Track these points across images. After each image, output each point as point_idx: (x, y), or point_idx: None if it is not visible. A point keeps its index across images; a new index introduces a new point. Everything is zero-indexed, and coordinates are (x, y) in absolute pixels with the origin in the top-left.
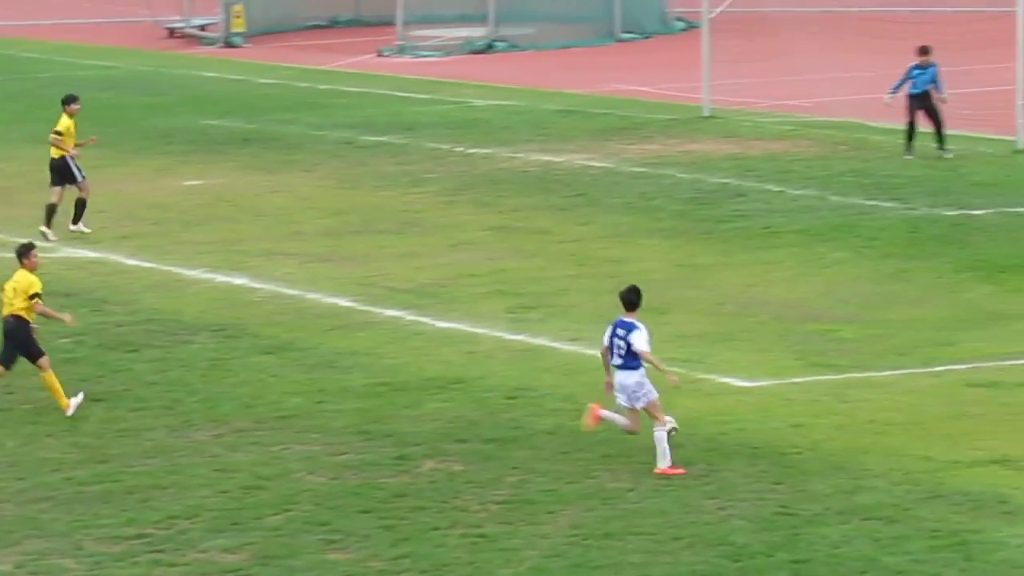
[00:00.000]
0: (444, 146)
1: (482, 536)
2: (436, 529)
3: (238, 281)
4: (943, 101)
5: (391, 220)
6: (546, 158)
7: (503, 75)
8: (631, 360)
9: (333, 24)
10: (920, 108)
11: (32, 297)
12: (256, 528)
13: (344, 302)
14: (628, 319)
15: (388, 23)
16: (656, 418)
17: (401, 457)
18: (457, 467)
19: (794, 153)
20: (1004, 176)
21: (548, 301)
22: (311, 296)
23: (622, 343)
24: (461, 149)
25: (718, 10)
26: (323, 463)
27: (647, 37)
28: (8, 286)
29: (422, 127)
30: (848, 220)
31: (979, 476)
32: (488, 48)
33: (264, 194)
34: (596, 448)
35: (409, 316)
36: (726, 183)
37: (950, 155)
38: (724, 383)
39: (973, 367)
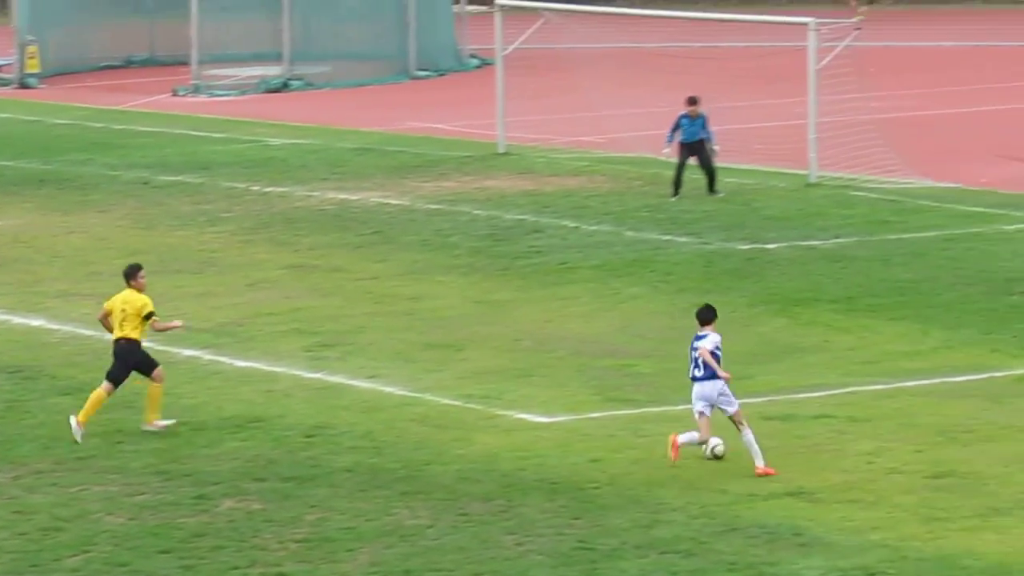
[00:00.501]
0: (240, 185)
1: (281, 575)
2: (235, 568)
3: (35, 322)
4: (714, 153)
5: (188, 260)
6: (342, 196)
7: (299, 113)
8: (710, 370)
9: (128, 64)
10: (691, 155)
11: (148, 317)
12: (55, 570)
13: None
14: (702, 332)
15: (183, 62)
16: (741, 423)
17: (200, 496)
18: (256, 506)
19: (589, 189)
20: (796, 210)
21: (345, 339)
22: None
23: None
24: (257, 188)
25: (512, 47)
26: (122, 504)
27: (442, 74)
28: (117, 308)
29: (218, 166)
30: (643, 255)
31: (774, 508)
32: (283, 87)
33: (61, 235)
34: (395, 485)
35: (207, 355)
36: (522, 219)
37: (722, 194)
38: (522, 419)
39: (768, 400)
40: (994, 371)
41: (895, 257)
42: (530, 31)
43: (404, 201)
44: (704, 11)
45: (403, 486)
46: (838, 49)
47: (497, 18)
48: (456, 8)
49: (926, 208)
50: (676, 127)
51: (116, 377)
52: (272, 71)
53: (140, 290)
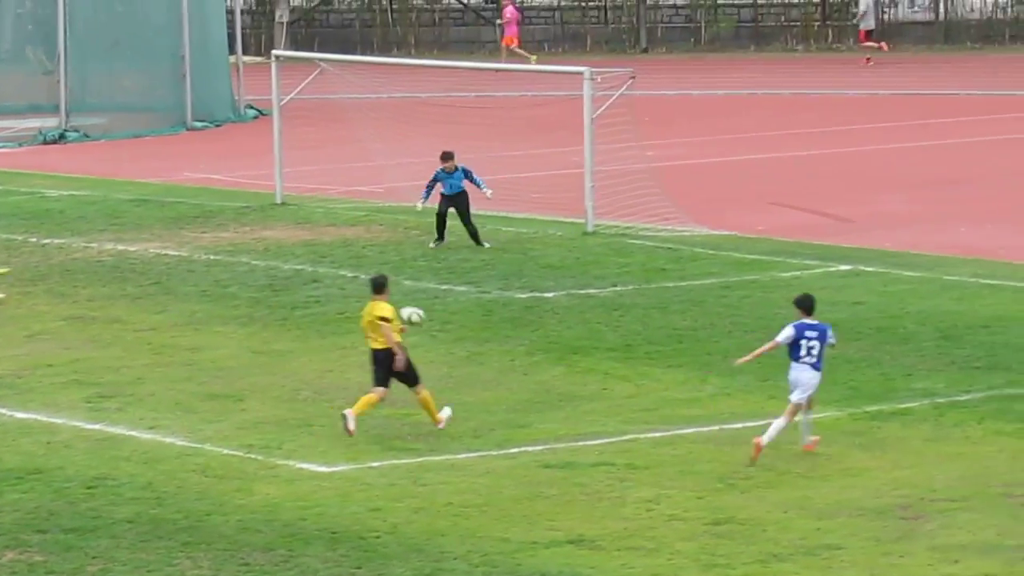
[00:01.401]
0: (18, 237)
1: None
2: None
3: None
4: (488, 197)
5: None
6: (120, 247)
7: (76, 165)
8: (820, 362)
9: None
10: (451, 207)
11: (383, 320)
12: None
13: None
14: (813, 322)
15: None
16: (792, 415)
17: None
18: (38, 557)
19: (367, 239)
20: (574, 258)
21: (125, 390)
22: None
23: (815, 344)
24: (35, 240)
25: (288, 97)
26: None
27: (219, 125)
28: (365, 320)
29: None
30: (421, 304)
31: (556, 556)
32: (60, 138)
33: None
34: (176, 536)
35: None
36: (300, 269)
37: (488, 245)
38: (303, 468)
39: (548, 448)
40: (772, 417)
41: (673, 305)
42: (306, 81)
43: (183, 252)
44: (479, 61)
45: (185, 536)
46: (613, 98)
47: (273, 68)
48: (232, 59)
49: (703, 256)
50: (434, 181)
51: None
52: (49, 123)
53: (386, 301)
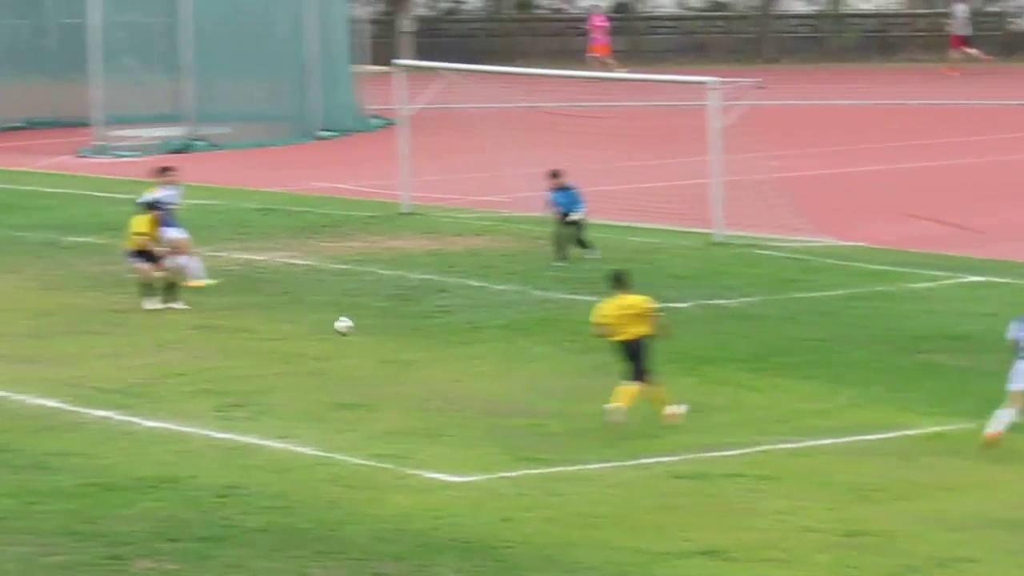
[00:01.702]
0: None
1: None
2: None
3: None
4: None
5: (97, 320)
6: (248, 256)
7: (202, 174)
8: None
9: (31, 125)
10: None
11: (652, 311)
12: None
13: (52, 403)
14: None
15: (86, 124)
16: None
17: (114, 557)
18: (171, 566)
19: (494, 248)
20: (702, 269)
21: (255, 399)
22: (17, 398)
23: None
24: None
25: (415, 107)
26: (37, 564)
27: (344, 134)
28: (610, 314)
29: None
30: (550, 314)
31: (689, 567)
32: (187, 147)
33: None
34: (309, 545)
35: (118, 416)
36: (428, 279)
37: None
38: (434, 478)
39: (680, 459)
40: (905, 429)
41: (803, 316)
42: (432, 91)
43: (310, 261)
44: (604, 71)
45: (317, 546)
46: (739, 108)
47: (398, 78)
48: (357, 68)
49: (832, 267)
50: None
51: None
52: (175, 132)
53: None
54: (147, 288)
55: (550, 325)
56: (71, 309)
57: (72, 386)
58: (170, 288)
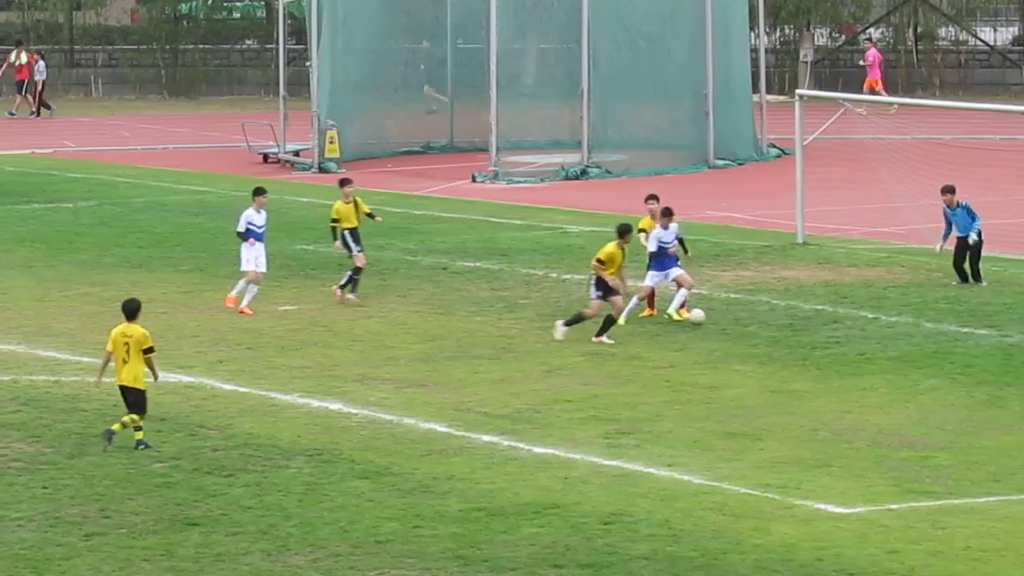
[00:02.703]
0: (538, 272)
1: None
2: None
3: (333, 406)
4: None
5: (486, 345)
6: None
7: (597, 201)
8: None
9: (427, 150)
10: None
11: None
12: None
13: (440, 427)
14: None
15: (481, 149)
16: None
17: None
18: None
19: (888, 280)
20: None
21: (643, 427)
22: (407, 421)
23: None
24: (555, 275)
25: (811, 137)
26: None
27: (741, 164)
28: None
29: (516, 252)
30: (942, 347)
31: None
32: (582, 174)
33: (359, 319)
34: (693, 573)
35: (505, 441)
36: (821, 309)
37: (983, 283)
38: (820, 509)
39: None
40: None
41: None
42: (830, 121)
43: (703, 290)
44: (1005, 103)
45: (701, 574)
46: None
47: (797, 107)
48: (756, 97)
49: None
50: (947, 222)
51: None
52: (571, 158)
53: None
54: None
55: (942, 358)
56: (460, 333)
57: (459, 411)
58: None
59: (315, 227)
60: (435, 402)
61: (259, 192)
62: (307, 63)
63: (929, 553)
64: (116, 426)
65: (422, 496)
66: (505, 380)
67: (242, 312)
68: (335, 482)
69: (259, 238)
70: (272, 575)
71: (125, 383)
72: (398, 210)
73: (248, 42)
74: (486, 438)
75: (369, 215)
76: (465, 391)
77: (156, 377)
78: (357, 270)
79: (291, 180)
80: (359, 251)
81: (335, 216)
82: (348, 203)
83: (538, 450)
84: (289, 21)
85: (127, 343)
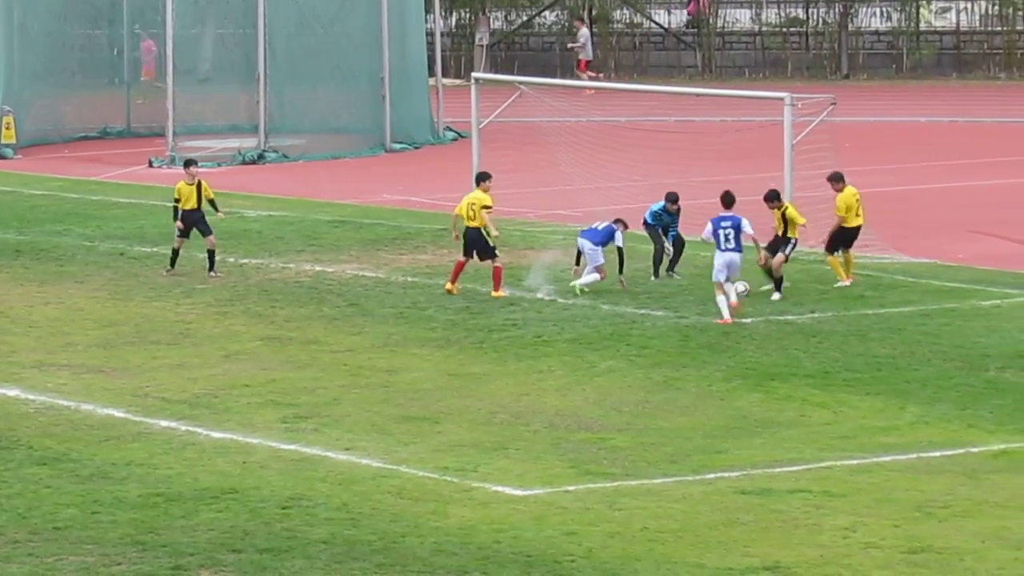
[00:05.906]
0: (216, 257)
1: None
2: None
3: (11, 392)
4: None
5: (164, 331)
6: (318, 268)
7: (274, 186)
8: None
9: (104, 135)
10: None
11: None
12: None
13: (118, 413)
14: None
15: (159, 134)
16: None
17: (177, 567)
18: None
19: (564, 263)
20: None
21: (321, 411)
22: (85, 407)
23: None
24: (233, 260)
25: (487, 120)
26: (99, 574)
27: (418, 147)
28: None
29: (195, 237)
30: (619, 329)
31: None
32: (259, 159)
33: (37, 305)
34: (371, 557)
35: (183, 427)
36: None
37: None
38: (498, 491)
39: (744, 474)
40: (970, 446)
41: (871, 332)
42: (506, 104)
43: (380, 274)
44: (679, 86)
45: (379, 558)
46: (814, 124)
47: (473, 90)
48: (432, 81)
49: (902, 283)
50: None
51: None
52: (248, 143)
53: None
54: None
55: (618, 339)
56: (139, 319)
57: (137, 396)
58: None
59: None
60: (113, 388)
61: None
62: None
63: (607, 535)
64: None
65: (101, 482)
66: (183, 365)
67: None
68: (12, 468)
69: None
70: None
71: None
72: (75, 196)
73: None
74: (164, 423)
75: (211, 203)
76: (143, 376)
77: None
78: (211, 252)
79: None
80: (210, 235)
81: (176, 196)
82: (191, 184)
83: (216, 435)
84: None
85: None
